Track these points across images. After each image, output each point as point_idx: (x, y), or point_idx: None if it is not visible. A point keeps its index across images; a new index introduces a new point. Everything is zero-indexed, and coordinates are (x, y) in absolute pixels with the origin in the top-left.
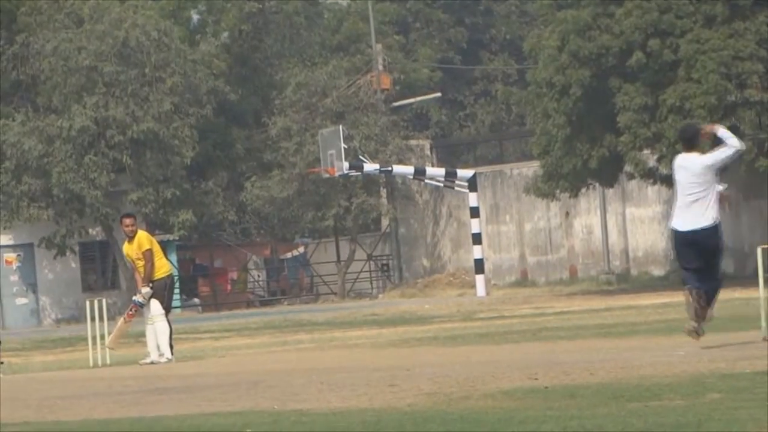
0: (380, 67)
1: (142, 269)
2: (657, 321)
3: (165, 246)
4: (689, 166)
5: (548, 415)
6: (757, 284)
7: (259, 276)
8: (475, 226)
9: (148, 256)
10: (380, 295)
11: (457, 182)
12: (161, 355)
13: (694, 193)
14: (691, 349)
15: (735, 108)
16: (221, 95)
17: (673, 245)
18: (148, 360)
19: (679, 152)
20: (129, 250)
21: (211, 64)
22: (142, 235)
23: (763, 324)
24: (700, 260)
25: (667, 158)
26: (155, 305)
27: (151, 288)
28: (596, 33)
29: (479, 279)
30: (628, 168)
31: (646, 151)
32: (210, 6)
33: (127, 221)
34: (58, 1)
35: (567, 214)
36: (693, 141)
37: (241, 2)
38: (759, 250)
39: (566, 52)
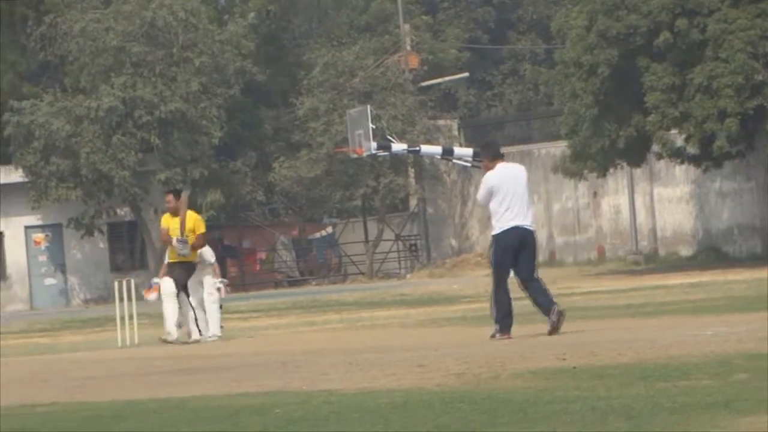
0: (408, 47)
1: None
2: (685, 301)
3: None
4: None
5: (577, 395)
6: None
7: (287, 256)
8: None
9: (201, 240)
10: (408, 276)
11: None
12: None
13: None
14: (719, 329)
15: (762, 87)
16: (249, 75)
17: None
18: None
19: (707, 132)
20: (171, 223)
21: (239, 45)
22: (195, 217)
23: None
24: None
25: (695, 138)
26: (166, 284)
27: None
28: (624, 13)
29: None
30: (655, 148)
31: (673, 131)
32: None
33: (169, 197)
34: None
35: (595, 194)
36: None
37: None
38: None
39: (594, 31)
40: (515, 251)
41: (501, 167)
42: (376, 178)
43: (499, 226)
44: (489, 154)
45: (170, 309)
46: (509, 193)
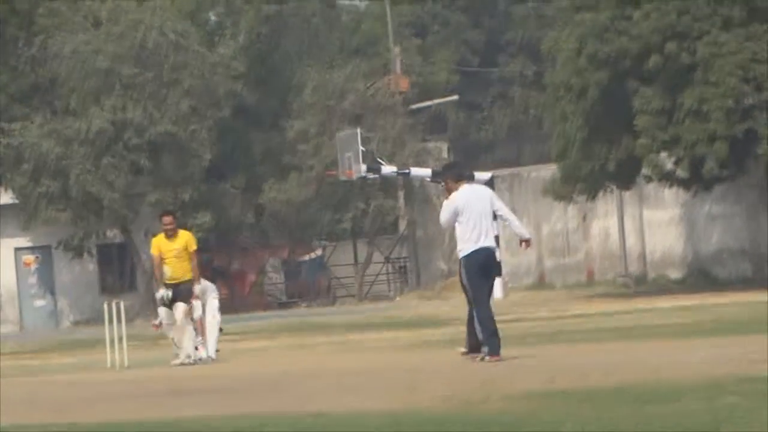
0: (398, 70)
1: (171, 264)
2: (674, 324)
3: None
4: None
5: (566, 418)
6: None
7: (276, 278)
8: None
9: (194, 257)
10: (397, 298)
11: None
12: (188, 356)
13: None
14: (709, 351)
15: (752, 110)
16: (239, 97)
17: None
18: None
19: (697, 155)
20: (165, 245)
21: (229, 66)
22: (188, 235)
23: None
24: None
25: (684, 161)
26: (180, 308)
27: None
28: (614, 35)
29: (496, 282)
30: (645, 171)
31: (663, 154)
32: (228, 8)
33: (167, 219)
34: (76, 3)
35: (584, 216)
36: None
37: (259, 4)
38: None
39: (584, 54)
40: (485, 271)
41: (466, 189)
42: (365, 201)
43: (467, 247)
44: (453, 176)
45: (188, 332)
46: (474, 213)
